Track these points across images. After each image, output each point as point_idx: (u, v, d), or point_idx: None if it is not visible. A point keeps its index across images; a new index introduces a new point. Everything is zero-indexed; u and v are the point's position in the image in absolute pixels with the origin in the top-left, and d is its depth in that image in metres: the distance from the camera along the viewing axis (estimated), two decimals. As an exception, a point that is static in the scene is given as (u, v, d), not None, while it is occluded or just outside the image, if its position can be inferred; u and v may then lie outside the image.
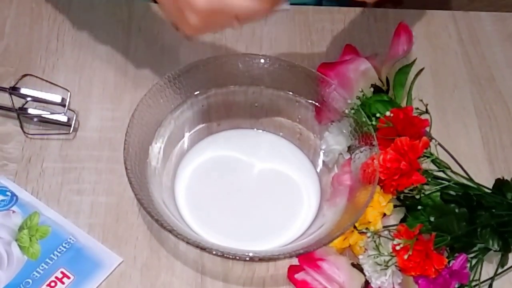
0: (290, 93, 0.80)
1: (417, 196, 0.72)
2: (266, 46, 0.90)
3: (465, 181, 0.76)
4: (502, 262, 0.73)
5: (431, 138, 0.76)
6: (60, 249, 0.69)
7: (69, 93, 0.78)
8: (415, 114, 0.76)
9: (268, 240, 0.73)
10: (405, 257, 0.66)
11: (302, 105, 0.79)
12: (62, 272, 0.68)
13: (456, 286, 0.69)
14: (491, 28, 0.95)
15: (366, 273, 0.68)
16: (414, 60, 0.84)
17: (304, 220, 0.74)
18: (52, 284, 0.67)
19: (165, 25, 0.91)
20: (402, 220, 0.72)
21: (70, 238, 0.70)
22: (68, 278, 0.68)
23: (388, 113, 0.75)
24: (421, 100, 0.79)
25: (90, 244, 0.70)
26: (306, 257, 0.69)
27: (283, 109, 0.81)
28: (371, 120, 0.76)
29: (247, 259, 0.67)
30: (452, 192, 0.74)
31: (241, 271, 0.71)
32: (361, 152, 0.74)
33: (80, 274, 0.68)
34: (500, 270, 0.73)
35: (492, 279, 0.72)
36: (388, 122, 0.74)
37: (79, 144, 0.78)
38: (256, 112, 0.81)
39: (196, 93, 0.79)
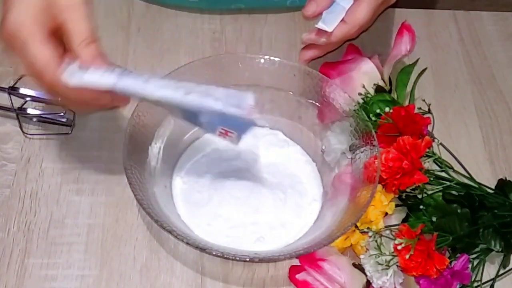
0: (290, 92, 0.80)
1: (419, 196, 0.72)
2: (266, 46, 0.89)
3: (467, 181, 0.76)
4: (504, 263, 0.73)
5: (433, 138, 0.76)
6: None
7: (68, 93, 0.78)
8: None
9: (268, 240, 0.72)
10: (407, 257, 0.65)
11: (302, 104, 0.79)
12: None
13: (458, 286, 0.69)
14: (492, 27, 0.95)
15: (368, 273, 0.68)
16: (417, 60, 0.84)
17: (306, 220, 0.74)
18: None
19: (165, 25, 0.91)
20: (404, 220, 0.72)
21: None
22: None
23: (387, 109, 0.75)
24: (424, 100, 0.79)
25: None
26: (307, 258, 0.68)
27: (283, 109, 0.80)
28: (370, 119, 0.76)
29: (247, 260, 0.67)
30: (454, 192, 0.74)
31: (241, 271, 0.71)
32: (361, 152, 0.74)
33: None
34: (502, 271, 0.72)
35: (493, 280, 0.71)
36: (387, 118, 0.74)
37: (78, 144, 0.78)
38: (256, 112, 0.81)
39: (196, 93, 0.78)
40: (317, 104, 0.78)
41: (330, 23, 0.78)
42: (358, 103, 0.78)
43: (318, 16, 0.79)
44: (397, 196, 0.73)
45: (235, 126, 0.65)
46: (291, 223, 0.74)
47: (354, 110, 0.75)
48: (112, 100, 0.66)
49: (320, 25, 0.78)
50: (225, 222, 0.73)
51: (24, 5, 0.62)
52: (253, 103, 0.64)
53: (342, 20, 0.78)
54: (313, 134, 0.79)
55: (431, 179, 0.74)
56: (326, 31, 0.78)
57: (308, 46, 0.82)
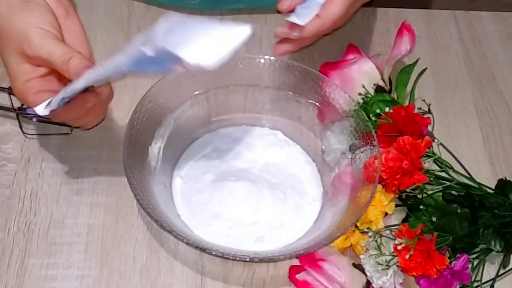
0: (290, 93, 0.80)
1: (419, 196, 0.72)
2: (266, 46, 0.89)
3: (467, 181, 0.76)
4: (504, 263, 0.73)
5: (433, 138, 0.76)
6: None
7: (68, 93, 0.78)
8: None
9: (268, 240, 0.72)
10: (407, 257, 0.65)
11: (302, 104, 0.79)
12: None
13: (458, 286, 0.69)
14: (491, 27, 0.95)
15: (368, 273, 0.68)
16: (417, 60, 0.84)
17: (306, 220, 0.74)
18: None
19: (165, 25, 0.91)
20: (404, 220, 0.72)
21: None
22: None
23: (387, 109, 0.75)
24: (424, 100, 0.79)
25: None
26: (307, 258, 0.68)
27: (283, 109, 0.80)
28: (370, 119, 0.76)
29: (247, 260, 0.66)
30: (454, 192, 0.74)
31: (241, 271, 0.71)
32: (361, 152, 0.73)
33: None
34: (502, 271, 0.72)
35: (493, 280, 0.71)
36: (387, 118, 0.74)
37: (78, 144, 0.78)
38: (256, 112, 0.81)
39: (196, 93, 0.78)
40: (317, 104, 0.78)
41: (303, 17, 0.77)
42: (358, 103, 0.78)
43: (293, 10, 0.77)
44: (397, 196, 0.73)
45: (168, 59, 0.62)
46: (291, 223, 0.74)
47: (354, 110, 0.75)
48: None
49: (292, 18, 0.77)
50: (225, 222, 0.73)
51: (15, 71, 0.70)
52: (163, 28, 0.61)
53: (317, 15, 0.77)
54: (313, 134, 0.79)
55: (431, 179, 0.74)
56: (298, 25, 0.77)
57: (282, 41, 0.81)
